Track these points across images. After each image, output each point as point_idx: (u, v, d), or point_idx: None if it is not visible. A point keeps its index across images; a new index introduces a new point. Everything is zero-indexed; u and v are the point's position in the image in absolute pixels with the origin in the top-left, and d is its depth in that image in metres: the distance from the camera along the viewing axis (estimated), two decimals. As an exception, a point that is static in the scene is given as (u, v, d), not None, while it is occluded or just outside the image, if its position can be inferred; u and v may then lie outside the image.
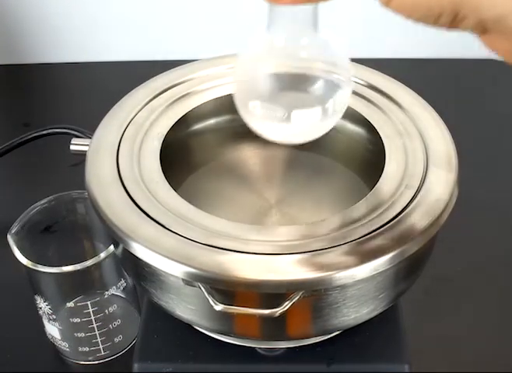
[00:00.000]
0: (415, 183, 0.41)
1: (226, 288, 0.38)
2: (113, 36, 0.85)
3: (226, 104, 0.48)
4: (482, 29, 0.29)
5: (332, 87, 0.39)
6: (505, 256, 0.62)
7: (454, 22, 0.29)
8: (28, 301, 0.53)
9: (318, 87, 0.38)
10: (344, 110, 0.40)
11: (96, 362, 0.54)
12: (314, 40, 0.38)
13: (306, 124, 0.39)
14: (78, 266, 0.48)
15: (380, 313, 0.42)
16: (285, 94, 0.39)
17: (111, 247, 0.47)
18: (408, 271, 0.41)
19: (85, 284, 0.50)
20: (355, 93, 0.48)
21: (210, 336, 0.46)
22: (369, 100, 0.48)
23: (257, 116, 0.39)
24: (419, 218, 0.39)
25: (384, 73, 0.50)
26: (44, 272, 0.48)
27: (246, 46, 0.39)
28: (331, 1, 0.32)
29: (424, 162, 0.43)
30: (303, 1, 0.33)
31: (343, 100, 0.39)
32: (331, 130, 0.49)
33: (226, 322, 0.41)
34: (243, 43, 0.40)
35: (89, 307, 0.50)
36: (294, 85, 0.39)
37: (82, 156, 0.45)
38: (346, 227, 0.39)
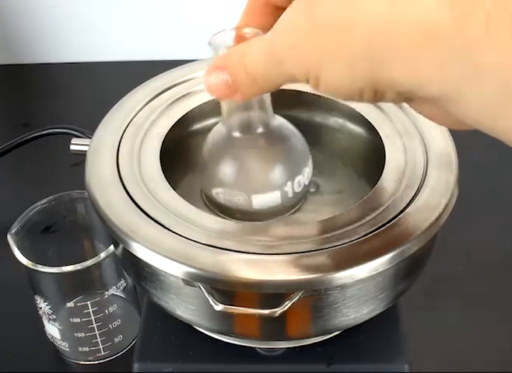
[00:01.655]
0: (415, 183, 0.41)
1: (226, 288, 0.38)
2: (114, 36, 0.85)
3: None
4: (405, 98, 0.31)
5: (290, 171, 0.41)
6: (505, 256, 0.62)
7: (376, 97, 0.30)
8: (28, 301, 0.53)
9: (275, 171, 0.41)
10: (305, 189, 0.43)
11: (96, 362, 0.54)
12: (269, 127, 0.41)
13: (268, 207, 0.41)
14: (78, 266, 0.48)
15: (380, 313, 0.42)
16: (245, 180, 0.41)
17: (111, 247, 0.47)
18: (408, 271, 0.41)
19: (85, 284, 0.50)
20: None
21: (210, 336, 0.46)
22: (369, 100, 0.48)
23: (221, 203, 0.42)
24: (419, 218, 0.39)
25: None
26: (44, 272, 0.48)
27: (208, 136, 0.43)
28: None
29: (424, 162, 0.43)
30: (250, 96, 0.34)
31: (302, 182, 0.42)
32: (331, 130, 0.49)
33: (226, 322, 0.41)
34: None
35: (89, 307, 0.50)
36: (253, 171, 0.42)
37: (82, 156, 0.45)
38: (346, 227, 0.39)
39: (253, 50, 0.32)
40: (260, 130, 0.41)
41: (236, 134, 0.41)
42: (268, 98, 0.40)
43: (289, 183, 0.41)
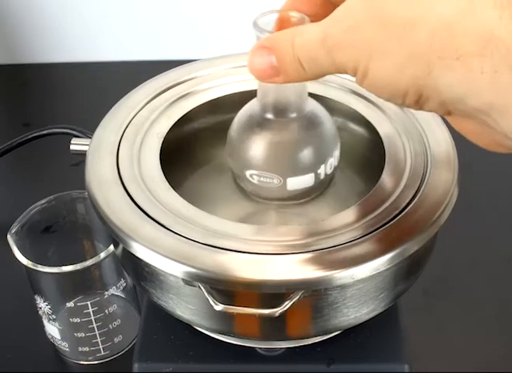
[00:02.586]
0: (415, 183, 0.41)
1: (226, 288, 0.38)
2: (114, 36, 0.85)
3: (226, 104, 0.48)
4: (446, 110, 0.31)
5: (322, 154, 0.42)
6: (505, 256, 0.62)
7: (418, 102, 0.31)
8: (28, 301, 0.53)
9: (309, 155, 0.42)
10: (335, 170, 0.44)
11: (96, 362, 0.54)
12: (303, 111, 0.42)
13: (300, 189, 0.43)
14: (78, 266, 0.48)
15: (380, 313, 0.42)
16: (279, 163, 0.42)
17: (111, 247, 0.47)
18: (408, 271, 0.41)
19: (85, 284, 0.50)
20: (355, 93, 0.48)
21: (210, 336, 0.46)
22: (369, 100, 0.48)
23: (255, 184, 0.42)
24: (419, 218, 0.39)
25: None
26: (44, 272, 0.48)
27: (238, 115, 0.43)
28: None
29: (424, 162, 0.43)
30: (293, 80, 0.34)
31: (333, 164, 0.43)
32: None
33: (226, 322, 0.41)
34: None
35: (89, 307, 0.50)
36: (287, 154, 0.42)
37: (82, 156, 0.45)
38: (346, 227, 0.39)
39: (306, 33, 0.32)
40: (295, 114, 0.41)
41: (271, 116, 0.41)
42: (306, 85, 0.40)
43: (323, 166, 0.42)
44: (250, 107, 0.43)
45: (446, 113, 0.32)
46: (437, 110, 0.31)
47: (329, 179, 0.45)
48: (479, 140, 0.33)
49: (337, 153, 0.43)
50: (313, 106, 0.42)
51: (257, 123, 0.42)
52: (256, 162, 0.42)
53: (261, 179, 0.42)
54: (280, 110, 0.41)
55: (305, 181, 0.42)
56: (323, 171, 0.42)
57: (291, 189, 0.42)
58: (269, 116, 0.42)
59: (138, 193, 0.41)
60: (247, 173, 0.42)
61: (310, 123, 0.42)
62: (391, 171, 0.43)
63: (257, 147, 0.42)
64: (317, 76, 0.33)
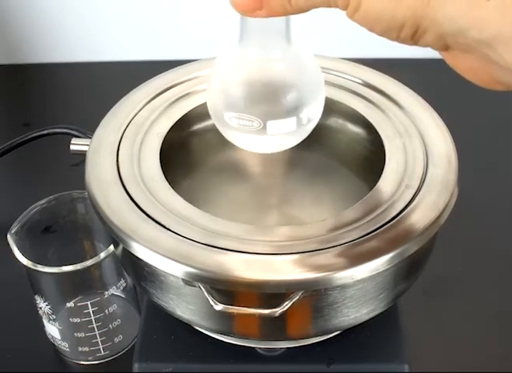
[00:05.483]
0: (415, 183, 0.41)
1: (225, 288, 0.38)
2: (114, 36, 0.85)
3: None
4: (444, 45, 0.29)
5: (306, 97, 0.40)
6: (505, 256, 0.62)
7: (414, 36, 0.29)
8: (28, 301, 0.53)
9: (292, 98, 0.39)
10: (318, 118, 0.41)
11: (96, 362, 0.54)
12: (287, 52, 0.39)
13: (281, 134, 0.40)
14: (78, 266, 0.48)
15: (380, 313, 0.42)
16: (260, 105, 0.40)
17: (111, 247, 0.47)
18: (407, 271, 0.41)
19: (85, 284, 0.50)
20: (355, 93, 0.48)
21: (210, 336, 0.46)
22: (369, 100, 0.48)
23: (233, 128, 0.40)
24: (419, 218, 0.39)
25: (384, 73, 0.50)
26: (44, 272, 0.48)
27: (218, 58, 0.41)
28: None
29: (424, 162, 0.43)
30: (277, 13, 0.32)
31: (317, 109, 0.41)
32: (331, 130, 0.49)
33: (226, 322, 0.41)
34: (216, 55, 0.40)
35: (89, 307, 0.50)
36: (268, 96, 0.40)
37: (82, 156, 0.45)
38: (346, 227, 0.39)
39: None
40: (277, 54, 0.39)
41: (253, 57, 0.39)
42: (292, 21, 0.38)
43: (305, 110, 0.40)
44: (231, 48, 0.40)
45: (443, 48, 0.30)
46: (434, 45, 0.29)
47: (311, 129, 0.42)
48: (477, 77, 0.31)
49: (321, 98, 0.41)
50: (297, 47, 0.40)
51: (238, 63, 0.40)
52: (235, 103, 0.39)
53: (240, 122, 0.39)
54: (262, 49, 0.39)
55: (286, 125, 0.40)
56: (305, 116, 0.40)
57: (271, 134, 0.40)
58: (250, 55, 0.39)
59: (138, 193, 0.41)
60: (226, 116, 0.40)
61: (294, 64, 0.40)
62: (390, 171, 0.43)
63: (237, 87, 0.39)
64: (302, 9, 0.31)
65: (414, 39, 0.29)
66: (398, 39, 0.29)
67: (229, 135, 0.42)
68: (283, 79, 0.40)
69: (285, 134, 0.40)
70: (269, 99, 0.40)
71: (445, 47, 0.29)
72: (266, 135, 0.40)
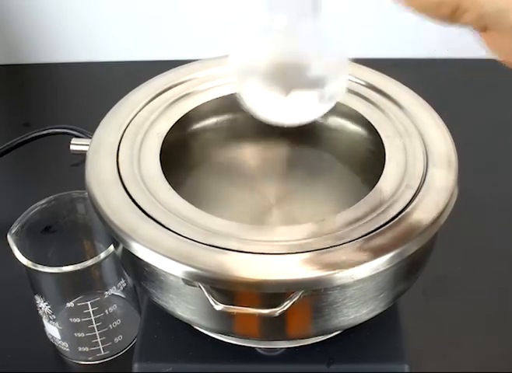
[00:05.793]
0: (415, 182, 0.41)
1: (226, 288, 0.38)
2: (114, 36, 0.85)
3: (226, 104, 0.48)
4: (483, 25, 0.29)
5: (330, 73, 0.39)
6: (505, 256, 0.62)
7: (454, 14, 0.29)
8: (28, 301, 0.53)
9: (317, 72, 0.39)
10: (340, 97, 0.41)
11: (96, 362, 0.54)
12: (313, 27, 0.38)
13: (302, 105, 0.40)
14: (78, 266, 0.48)
15: (380, 313, 0.42)
16: (285, 75, 0.39)
17: (111, 247, 0.47)
18: (407, 271, 0.41)
19: (85, 284, 0.50)
20: (355, 93, 0.48)
21: (210, 336, 0.46)
22: (369, 100, 0.48)
23: (256, 93, 0.40)
24: (419, 218, 0.39)
25: (384, 73, 0.50)
26: (44, 272, 0.48)
27: (245, 26, 0.40)
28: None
29: (424, 162, 0.43)
30: None
31: (340, 87, 0.40)
32: (331, 130, 0.49)
33: (226, 321, 0.41)
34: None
35: (89, 307, 0.50)
36: (293, 68, 0.40)
37: (82, 156, 0.45)
38: (346, 227, 0.39)
39: None
40: (305, 27, 0.38)
41: (280, 26, 0.38)
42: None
43: (328, 85, 0.40)
44: (258, 18, 0.39)
45: (482, 29, 0.30)
46: (473, 24, 0.29)
47: (331, 107, 0.41)
48: (510, 57, 0.31)
49: (344, 78, 0.41)
50: (324, 25, 0.39)
51: (265, 32, 0.39)
52: (260, 70, 0.39)
53: (264, 90, 0.39)
54: (290, 21, 0.38)
55: (308, 97, 0.40)
56: (328, 92, 0.40)
57: (293, 104, 0.39)
58: (278, 25, 0.38)
59: (138, 193, 0.41)
60: (250, 83, 0.40)
61: (320, 38, 0.40)
62: (390, 171, 0.43)
63: (263, 54, 0.39)
64: None
65: (453, 18, 0.29)
66: (437, 16, 0.29)
67: (250, 102, 0.41)
68: (310, 50, 0.40)
69: (306, 107, 0.40)
70: (294, 71, 0.40)
71: (484, 28, 0.29)
72: (287, 105, 0.39)
